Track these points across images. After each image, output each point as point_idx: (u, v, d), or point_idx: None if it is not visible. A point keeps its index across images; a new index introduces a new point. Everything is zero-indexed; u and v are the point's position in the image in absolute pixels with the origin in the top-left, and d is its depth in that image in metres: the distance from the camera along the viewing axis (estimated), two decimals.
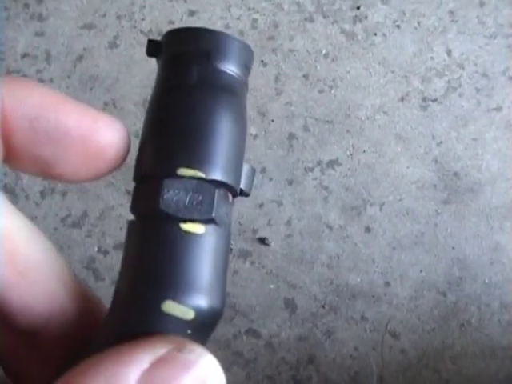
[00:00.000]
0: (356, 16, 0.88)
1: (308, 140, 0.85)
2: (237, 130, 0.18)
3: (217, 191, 0.17)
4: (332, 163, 0.84)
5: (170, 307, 0.16)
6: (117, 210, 0.83)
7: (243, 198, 0.19)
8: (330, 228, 0.83)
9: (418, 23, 0.88)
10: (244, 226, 0.81)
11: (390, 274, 0.82)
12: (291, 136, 0.84)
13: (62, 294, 0.18)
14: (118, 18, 0.88)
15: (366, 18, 0.88)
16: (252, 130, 0.84)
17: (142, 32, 0.88)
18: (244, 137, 0.18)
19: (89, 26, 0.88)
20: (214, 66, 0.18)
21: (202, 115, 0.17)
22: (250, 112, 0.86)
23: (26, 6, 0.89)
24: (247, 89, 0.19)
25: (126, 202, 0.83)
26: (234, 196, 0.18)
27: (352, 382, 0.80)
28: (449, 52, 0.87)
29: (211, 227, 0.17)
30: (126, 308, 0.17)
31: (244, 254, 0.81)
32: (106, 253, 0.82)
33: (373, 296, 0.81)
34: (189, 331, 0.16)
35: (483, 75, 0.87)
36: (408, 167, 0.84)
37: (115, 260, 0.81)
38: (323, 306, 0.81)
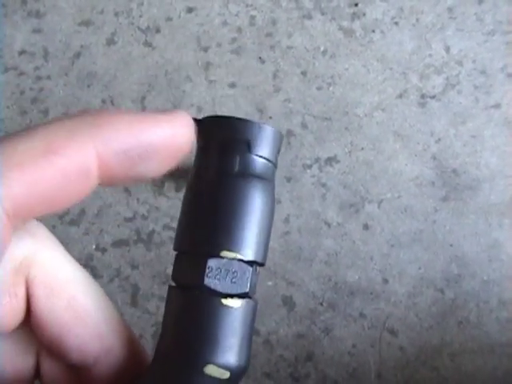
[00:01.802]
0: (354, 13, 0.88)
1: (306, 137, 0.84)
2: (269, 213, 0.21)
3: (251, 269, 0.20)
4: (330, 160, 0.84)
5: (212, 370, 0.19)
6: (115, 207, 0.83)
7: None
8: (328, 225, 0.82)
9: (417, 20, 0.88)
10: None
11: (388, 271, 0.82)
12: (289, 133, 0.84)
13: (111, 338, 0.20)
14: (116, 14, 0.88)
15: (364, 14, 0.88)
16: None
17: (139, 29, 0.87)
18: (273, 217, 0.21)
19: (86, 23, 0.88)
20: (254, 155, 0.20)
21: (243, 203, 0.20)
22: (248, 109, 0.85)
23: (24, 2, 0.89)
24: (276, 169, 0.22)
25: (124, 199, 0.83)
26: (261, 266, 0.21)
27: (350, 379, 0.80)
28: (447, 49, 0.87)
29: (245, 300, 0.20)
30: (169, 367, 0.19)
31: None
32: (103, 250, 0.81)
33: (371, 293, 0.81)
34: None
35: (482, 72, 0.87)
36: (406, 164, 0.84)
37: (113, 257, 0.81)
38: (321, 304, 0.81)
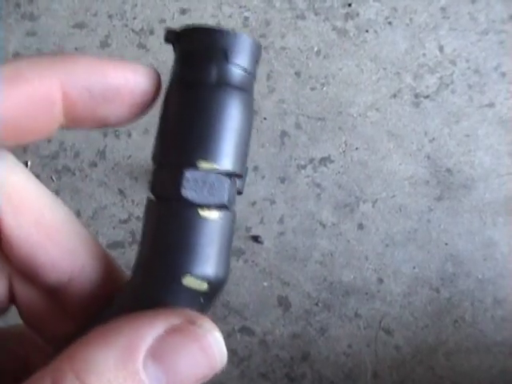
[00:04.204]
0: (347, 13, 0.88)
1: (300, 137, 0.85)
2: (247, 124, 0.20)
3: (229, 181, 0.20)
4: (324, 160, 0.84)
5: (189, 281, 0.19)
6: (110, 209, 0.83)
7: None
8: (323, 225, 0.83)
9: (410, 20, 0.88)
10: (237, 225, 0.81)
11: (383, 270, 0.82)
12: (283, 134, 0.84)
13: (83, 254, 0.21)
14: (110, 17, 0.88)
15: (358, 15, 0.88)
16: None
17: (133, 31, 0.88)
18: (251, 128, 0.21)
19: (80, 26, 0.88)
20: (231, 65, 0.20)
21: (220, 114, 0.19)
22: None
23: (18, 5, 0.89)
24: (255, 80, 0.21)
25: (119, 201, 0.83)
26: (239, 178, 0.21)
27: (346, 379, 0.80)
28: (441, 48, 0.87)
29: (223, 213, 0.19)
30: (147, 279, 0.19)
31: (237, 252, 0.81)
32: None
33: (366, 293, 0.81)
34: (201, 300, 0.19)
35: (475, 71, 0.87)
36: (400, 164, 0.84)
37: None
38: (317, 304, 0.81)
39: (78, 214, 0.82)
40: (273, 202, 0.83)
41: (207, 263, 0.19)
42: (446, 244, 0.83)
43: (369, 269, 0.82)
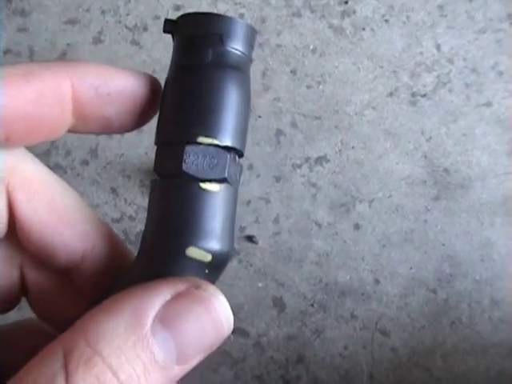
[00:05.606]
0: (344, 11, 0.87)
1: (296, 136, 0.83)
2: (244, 102, 0.21)
3: (229, 155, 0.20)
4: (320, 160, 0.83)
5: (193, 252, 0.19)
6: (102, 208, 0.81)
7: None
8: (319, 225, 0.81)
9: (407, 18, 0.87)
10: None
11: (379, 271, 0.81)
12: (279, 132, 0.83)
13: (93, 236, 0.22)
14: (103, 12, 0.87)
15: (354, 12, 0.87)
16: None
17: (126, 27, 0.86)
18: (249, 108, 0.22)
19: (73, 21, 0.87)
20: (226, 47, 0.21)
21: (217, 91, 0.20)
22: None
23: (9, 1, 0.88)
24: (251, 63, 0.22)
25: (111, 200, 0.82)
26: (241, 157, 0.22)
27: (342, 381, 0.79)
28: (438, 47, 0.86)
29: (224, 186, 0.20)
30: (153, 253, 0.20)
31: None
32: None
33: (362, 294, 0.80)
34: (206, 271, 0.20)
35: (473, 70, 0.86)
36: (397, 163, 0.83)
37: None
38: (312, 305, 0.80)
39: None
40: (268, 202, 0.82)
41: (210, 235, 0.19)
42: (443, 244, 0.82)
43: (365, 269, 0.81)
